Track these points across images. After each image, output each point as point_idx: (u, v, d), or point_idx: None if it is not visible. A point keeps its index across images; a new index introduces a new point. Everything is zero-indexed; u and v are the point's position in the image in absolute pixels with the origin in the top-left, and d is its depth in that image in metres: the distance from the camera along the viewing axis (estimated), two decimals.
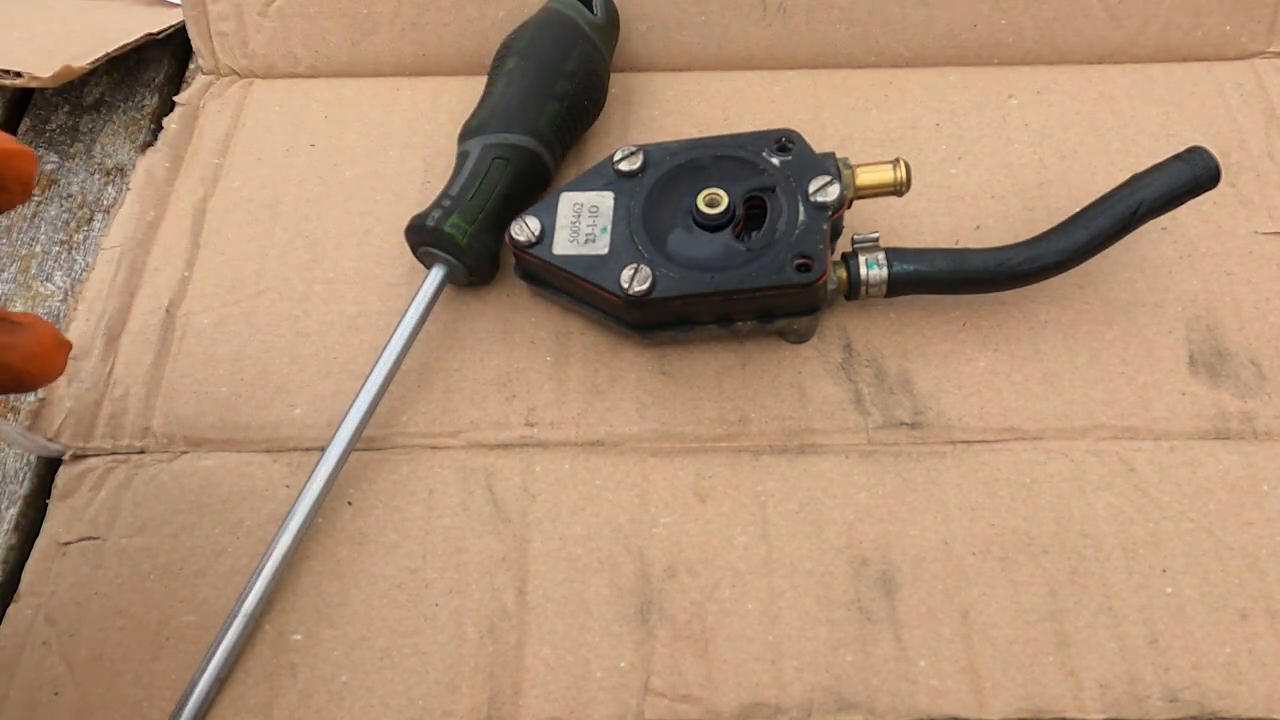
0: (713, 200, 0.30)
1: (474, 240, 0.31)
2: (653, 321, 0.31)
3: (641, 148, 0.32)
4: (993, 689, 0.26)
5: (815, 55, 0.40)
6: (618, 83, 0.39)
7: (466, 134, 0.34)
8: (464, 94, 0.39)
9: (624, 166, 0.31)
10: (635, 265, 0.29)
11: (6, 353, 0.21)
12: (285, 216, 0.36)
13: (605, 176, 0.31)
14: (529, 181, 0.34)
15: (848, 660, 0.27)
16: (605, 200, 0.31)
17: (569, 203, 0.31)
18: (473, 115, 0.34)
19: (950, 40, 0.39)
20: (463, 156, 0.33)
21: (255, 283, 0.35)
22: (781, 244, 0.29)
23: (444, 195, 0.32)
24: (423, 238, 0.32)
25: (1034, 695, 0.26)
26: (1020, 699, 0.26)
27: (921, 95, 0.39)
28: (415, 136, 0.38)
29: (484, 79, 0.36)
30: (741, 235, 0.30)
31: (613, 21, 0.37)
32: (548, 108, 0.34)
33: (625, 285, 0.29)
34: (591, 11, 0.36)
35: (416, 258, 0.33)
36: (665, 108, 0.39)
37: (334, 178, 0.37)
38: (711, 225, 0.30)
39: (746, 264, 0.29)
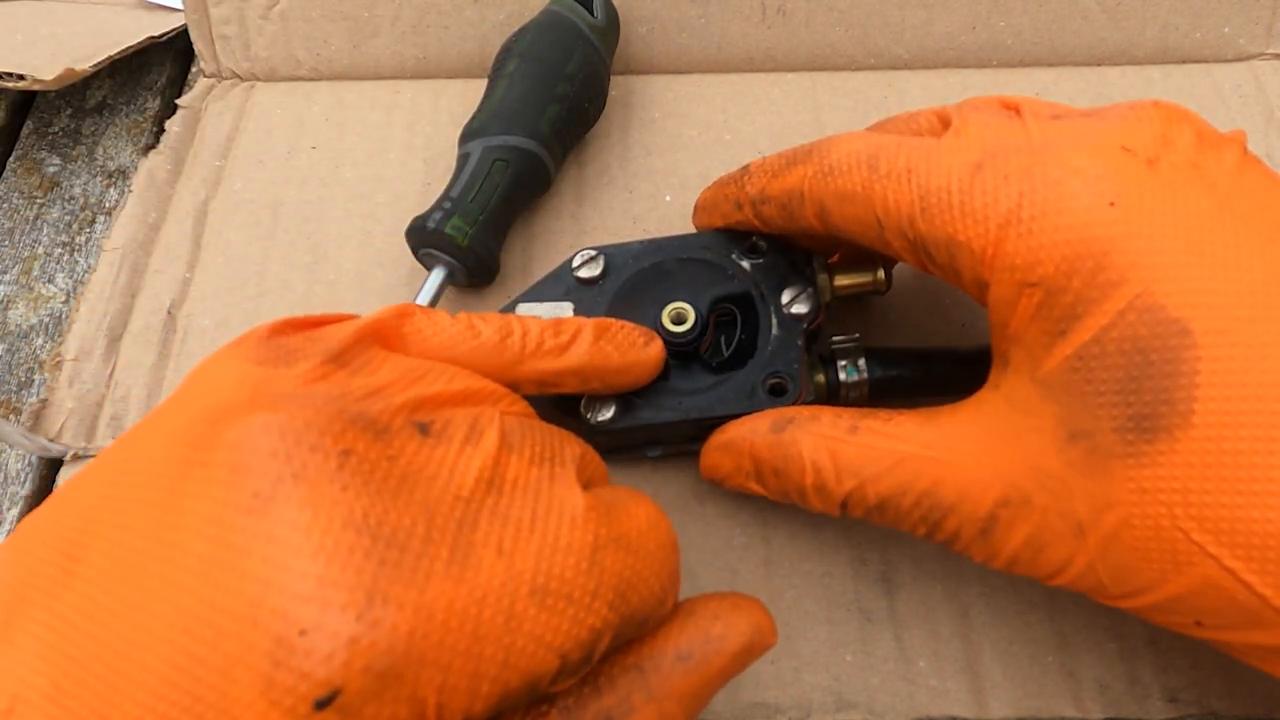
0: (679, 316, 0.27)
1: (475, 242, 0.32)
2: (617, 446, 0.29)
3: (602, 251, 0.29)
4: (993, 689, 0.26)
5: (814, 58, 0.40)
6: (618, 85, 0.39)
7: (467, 136, 0.34)
8: (465, 96, 0.39)
9: (583, 273, 0.29)
10: (589, 397, 0.27)
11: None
12: (286, 218, 0.36)
13: (564, 284, 0.29)
14: (530, 183, 0.34)
15: (847, 660, 0.27)
16: (564, 312, 0.28)
17: (526, 315, 0.28)
18: (473, 117, 0.34)
19: (949, 42, 0.39)
20: (463, 159, 0.33)
21: (256, 284, 0.35)
22: (754, 361, 0.27)
23: (445, 197, 0.32)
24: (423, 239, 0.32)
25: (1034, 695, 0.26)
26: (1020, 699, 0.26)
27: (921, 97, 0.39)
28: (416, 139, 0.38)
29: (485, 81, 0.36)
30: (710, 349, 0.28)
31: (613, 24, 0.37)
32: (548, 110, 0.34)
33: (586, 413, 0.27)
34: (592, 14, 0.36)
35: (417, 259, 0.33)
36: (665, 110, 0.39)
37: (335, 180, 0.37)
38: (678, 343, 0.27)
39: (716, 386, 0.27)
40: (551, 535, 0.18)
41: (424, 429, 0.19)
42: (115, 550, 0.17)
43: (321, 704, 0.15)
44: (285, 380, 0.19)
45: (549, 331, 0.24)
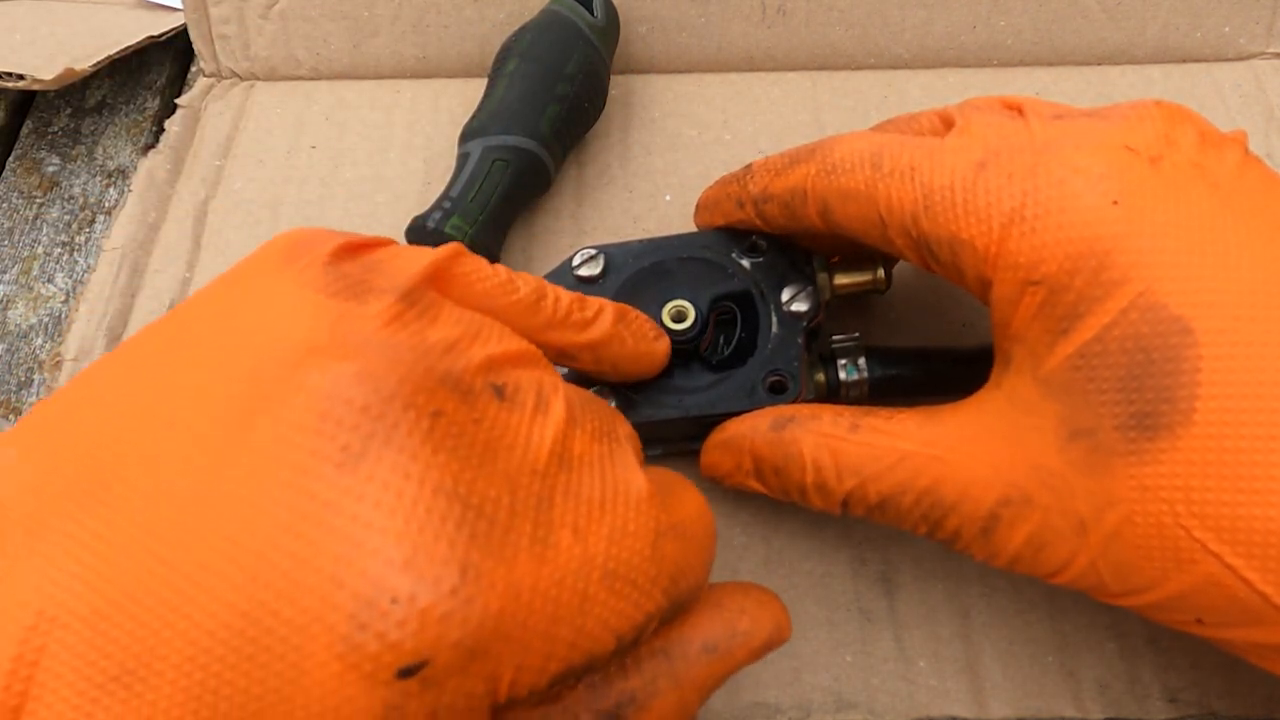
0: (679, 314, 0.27)
1: (475, 241, 0.32)
2: None
3: (602, 249, 0.29)
4: (993, 689, 0.26)
5: (814, 57, 0.40)
6: (618, 84, 0.39)
7: (467, 136, 0.34)
8: (465, 96, 0.39)
9: (583, 272, 0.29)
10: (596, 390, 0.27)
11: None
12: (286, 218, 0.36)
13: (564, 283, 0.28)
14: (529, 183, 0.34)
15: (847, 660, 0.27)
16: None
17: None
18: (473, 117, 0.34)
19: (949, 42, 0.39)
20: (463, 158, 0.33)
21: None
22: (754, 359, 0.27)
23: (444, 197, 0.32)
24: (423, 239, 0.32)
25: (1034, 695, 0.26)
26: (1020, 699, 0.26)
27: (921, 97, 0.39)
28: (416, 138, 0.38)
29: (485, 81, 0.36)
30: (711, 347, 0.28)
31: (613, 23, 0.37)
32: (548, 109, 0.34)
33: None
34: (592, 14, 0.36)
35: None
36: (665, 109, 0.39)
37: (335, 179, 0.37)
38: (678, 341, 0.27)
39: (716, 384, 0.27)
40: (620, 519, 0.18)
41: (499, 392, 0.18)
42: (164, 470, 0.16)
43: (405, 673, 0.15)
44: (363, 321, 0.18)
45: (576, 304, 0.23)
